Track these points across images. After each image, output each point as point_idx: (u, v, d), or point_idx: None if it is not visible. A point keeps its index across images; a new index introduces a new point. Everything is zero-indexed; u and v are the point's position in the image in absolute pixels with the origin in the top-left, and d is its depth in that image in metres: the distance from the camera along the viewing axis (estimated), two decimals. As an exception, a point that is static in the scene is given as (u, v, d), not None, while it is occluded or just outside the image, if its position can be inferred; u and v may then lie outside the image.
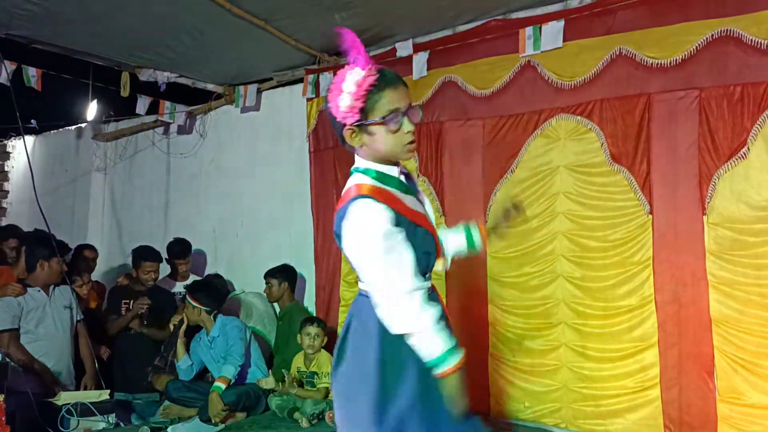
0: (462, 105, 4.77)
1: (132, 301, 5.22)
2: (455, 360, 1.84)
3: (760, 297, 3.61)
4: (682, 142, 3.89)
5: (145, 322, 5.15)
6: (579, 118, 4.26)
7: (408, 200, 1.93)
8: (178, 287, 5.60)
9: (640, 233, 4.01)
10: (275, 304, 5.44)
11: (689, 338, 3.83)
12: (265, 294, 5.31)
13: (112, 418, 4.35)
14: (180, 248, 5.69)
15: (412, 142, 1.90)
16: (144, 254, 5.33)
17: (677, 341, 3.87)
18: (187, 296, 4.67)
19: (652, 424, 3.92)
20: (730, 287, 3.70)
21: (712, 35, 3.79)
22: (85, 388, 4.63)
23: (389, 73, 1.87)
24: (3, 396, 3.67)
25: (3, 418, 3.57)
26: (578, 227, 4.25)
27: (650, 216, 3.98)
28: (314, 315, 5.40)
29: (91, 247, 5.85)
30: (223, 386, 4.35)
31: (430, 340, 1.82)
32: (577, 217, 4.25)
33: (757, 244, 3.63)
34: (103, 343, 5.11)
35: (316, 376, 4.60)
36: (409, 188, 1.99)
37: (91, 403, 4.29)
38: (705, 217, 3.78)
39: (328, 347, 4.77)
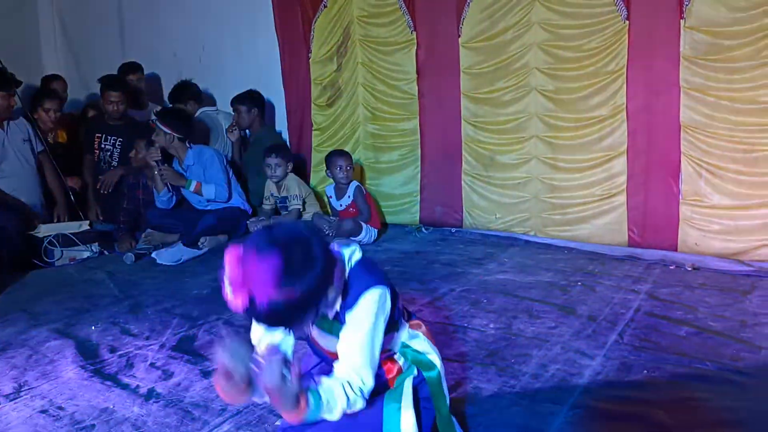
0: None
1: (103, 135, 5.09)
2: None
3: (730, 101, 3.65)
4: (664, -60, 3.69)
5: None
6: None
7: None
8: (149, 115, 5.45)
9: (615, 41, 3.94)
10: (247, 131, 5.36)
11: (658, 145, 3.91)
12: (235, 122, 5.22)
13: (95, 247, 4.44)
14: (128, 64, 5.51)
15: None
16: (106, 83, 5.11)
17: (646, 149, 3.96)
18: (157, 122, 4.54)
19: (616, 228, 4.12)
20: (701, 93, 3.72)
21: None
22: (59, 219, 4.67)
23: None
24: (-17, 231, 3.69)
25: (-14, 252, 3.63)
26: (554, 37, 4.15)
27: (627, 22, 3.88)
28: (287, 140, 5.39)
29: (59, 78, 5.58)
30: (194, 185, 4.49)
31: None
32: (552, 26, 4.14)
33: (733, 48, 3.60)
34: (76, 176, 5.06)
35: (287, 200, 4.71)
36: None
37: (72, 233, 4.35)
38: (682, 21, 3.70)
39: (297, 171, 4.86)
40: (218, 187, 4.56)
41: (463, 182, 4.67)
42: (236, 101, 5.12)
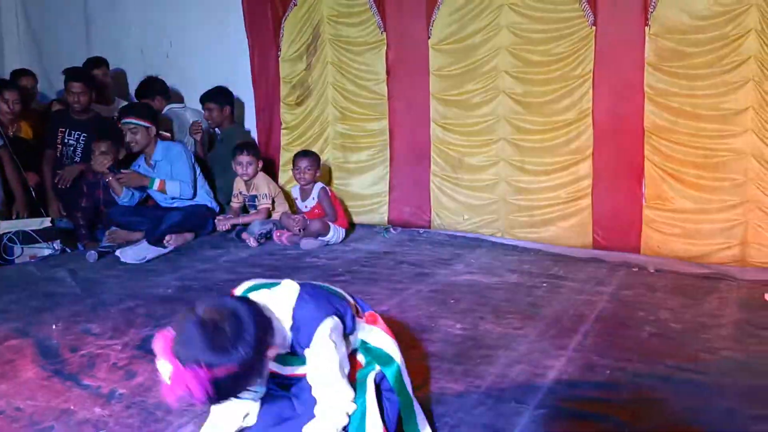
0: None
1: (67, 129, 4.97)
2: None
3: (692, 107, 3.74)
4: (630, -52, 3.77)
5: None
6: None
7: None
8: (116, 111, 5.34)
9: (582, 46, 4.00)
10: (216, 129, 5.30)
11: (622, 150, 3.99)
12: (205, 119, 5.16)
13: (57, 244, 4.35)
14: (94, 59, 5.42)
15: None
16: (69, 74, 4.98)
17: (611, 153, 4.03)
18: (133, 120, 4.45)
19: (581, 231, 4.19)
20: (664, 98, 3.80)
21: None
22: (17, 216, 4.55)
23: None
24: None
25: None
26: (522, 41, 4.20)
27: (593, 28, 3.94)
28: (255, 139, 5.34)
29: (29, 74, 5.43)
30: (157, 184, 4.42)
31: None
32: (521, 30, 4.18)
33: (695, 55, 3.68)
34: (36, 172, 4.93)
35: (256, 199, 4.67)
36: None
37: (33, 230, 4.25)
38: (647, 28, 3.77)
39: (265, 170, 4.81)
40: (183, 185, 4.50)
41: (431, 183, 4.69)
42: (207, 98, 5.05)
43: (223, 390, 1.43)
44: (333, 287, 1.88)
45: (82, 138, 4.94)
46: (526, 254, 4.10)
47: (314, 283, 1.84)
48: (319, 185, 4.55)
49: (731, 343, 2.66)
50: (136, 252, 4.12)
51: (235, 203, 4.76)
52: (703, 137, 3.75)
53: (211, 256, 4.17)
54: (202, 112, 5.17)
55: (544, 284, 3.47)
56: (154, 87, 5.30)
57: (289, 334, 1.67)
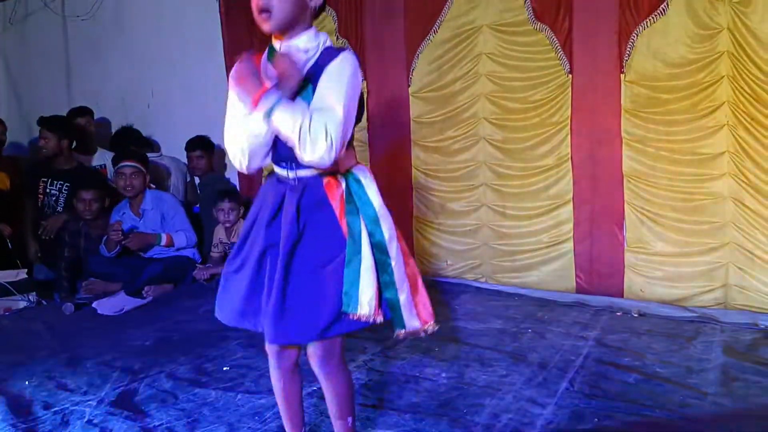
0: (382, -39, 4.53)
1: (49, 179, 4.92)
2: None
3: (669, 152, 3.79)
4: (603, -3, 3.87)
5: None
6: (501, -27, 4.13)
7: None
8: (97, 160, 5.32)
9: (559, 93, 4.06)
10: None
11: (602, 194, 4.02)
12: (192, 167, 5.16)
13: (33, 296, 4.25)
14: (77, 109, 5.43)
15: None
16: (40, 121, 4.97)
17: (590, 197, 4.06)
18: (134, 164, 4.44)
19: (564, 275, 4.18)
20: (642, 144, 3.86)
21: None
22: None
23: None
24: None
25: None
26: (500, 89, 4.26)
27: (570, 76, 4.01)
28: (236, 187, 5.32)
29: None
30: (164, 240, 4.45)
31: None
32: (499, 78, 4.25)
33: (670, 101, 3.75)
34: (9, 223, 4.85)
35: (238, 247, 4.64)
36: None
37: (8, 282, 4.16)
38: (622, 76, 3.85)
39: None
40: (188, 233, 4.54)
41: (414, 229, 4.69)
42: (191, 147, 5.09)
43: None
44: None
45: (65, 188, 4.89)
46: (510, 299, 4.08)
47: None
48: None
49: (718, 388, 2.65)
50: (114, 304, 4.05)
51: (215, 253, 4.69)
52: (681, 181, 3.79)
53: (190, 307, 4.09)
54: (180, 160, 5.16)
55: (529, 330, 3.45)
56: (128, 137, 5.31)
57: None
